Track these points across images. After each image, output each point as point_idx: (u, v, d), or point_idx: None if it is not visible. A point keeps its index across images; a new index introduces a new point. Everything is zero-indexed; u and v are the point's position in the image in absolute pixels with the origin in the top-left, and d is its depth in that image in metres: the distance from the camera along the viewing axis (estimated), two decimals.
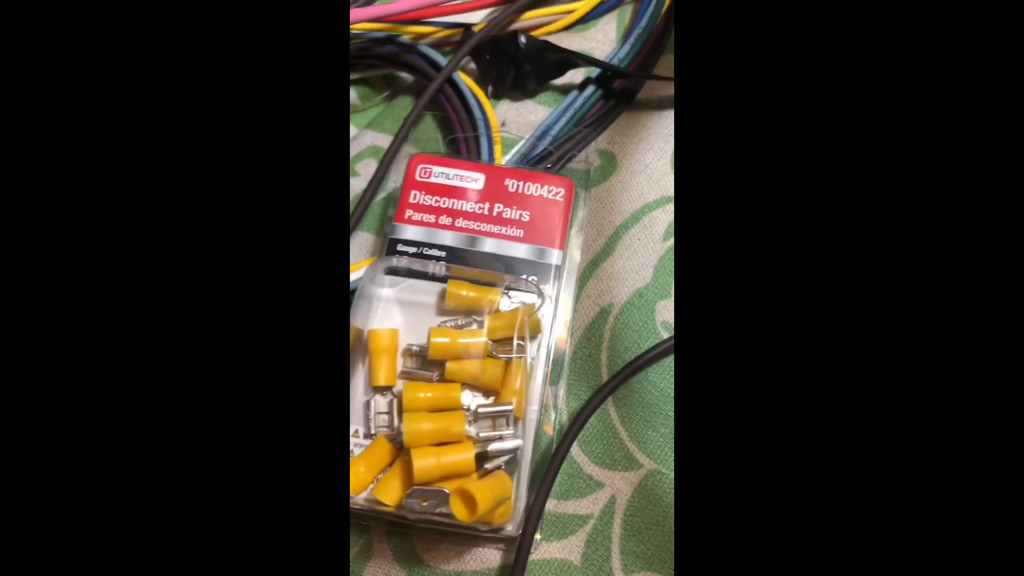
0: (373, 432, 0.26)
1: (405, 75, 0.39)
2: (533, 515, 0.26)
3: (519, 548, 0.26)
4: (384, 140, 0.36)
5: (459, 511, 0.23)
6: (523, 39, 0.33)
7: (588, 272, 0.31)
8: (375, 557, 0.27)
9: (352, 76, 0.39)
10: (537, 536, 0.27)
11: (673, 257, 0.30)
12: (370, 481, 0.25)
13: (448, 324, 0.27)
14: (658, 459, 0.27)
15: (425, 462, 0.24)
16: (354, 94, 0.39)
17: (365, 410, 0.27)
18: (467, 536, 0.27)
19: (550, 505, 0.27)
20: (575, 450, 0.28)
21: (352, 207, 0.34)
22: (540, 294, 0.28)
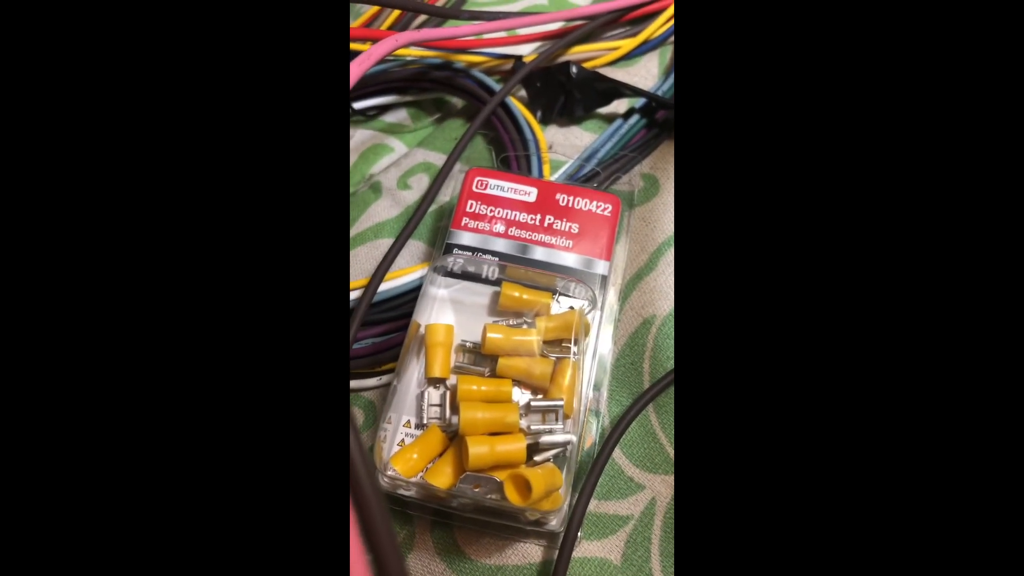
0: (425, 422, 0.27)
1: (454, 100, 0.41)
2: (577, 512, 0.27)
3: (563, 544, 0.26)
4: (434, 157, 0.38)
5: (512, 495, 0.24)
6: (575, 69, 0.36)
7: (631, 285, 0.32)
8: (417, 548, 0.28)
9: (406, 98, 0.41)
10: (579, 534, 0.27)
11: None
12: (422, 467, 0.26)
13: (501, 323, 0.29)
14: None
15: (479, 449, 0.25)
16: (406, 115, 0.41)
17: (418, 401, 0.28)
18: (509, 530, 0.27)
19: (591, 505, 0.28)
20: (617, 453, 0.29)
21: (407, 218, 0.36)
22: (592, 298, 0.29)
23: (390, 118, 0.41)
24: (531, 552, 0.27)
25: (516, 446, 0.25)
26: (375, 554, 0.14)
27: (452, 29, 0.35)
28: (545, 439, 0.26)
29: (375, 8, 0.42)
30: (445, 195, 0.36)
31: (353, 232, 0.36)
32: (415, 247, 0.35)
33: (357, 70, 0.22)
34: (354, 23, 0.42)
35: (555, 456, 0.26)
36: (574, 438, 0.26)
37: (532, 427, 0.26)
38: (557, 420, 0.26)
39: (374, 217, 0.36)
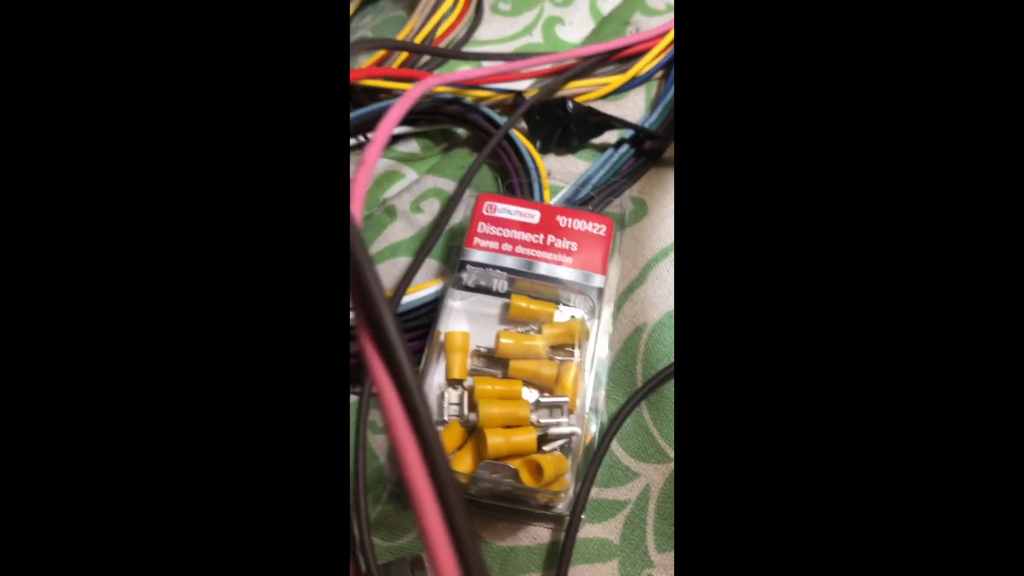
0: (446, 419, 0.31)
1: (460, 130, 0.45)
2: (581, 497, 0.30)
3: (569, 525, 0.30)
4: (443, 183, 0.42)
5: (527, 478, 0.27)
6: (571, 104, 0.40)
7: (624, 296, 0.36)
8: None
9: (416, 129, 0.45)
10: (582, 517, 0.31)
11: None
12: None
13: (511, 330, 0.32)
14: None
15: (497, 439, 0.28)
16: (416, 145, 0.45)
17: (439, 400, 0.31)
18: (521, 514, 0.31)
19: (593, 492, 0.32)
20: (614, 445, 0.33)
21: (421, 238, 0.40)
22: (592, 308, 0.33)
23: (402, 147, 0.45)
24: (540, 534, 0.31)
25: (528, 437, 0.29)
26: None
27: (473, 72, 0.39)
28: (552, 431, 0.30)
29: (383, 51, 0.46)
30: (455, 218, 0.40)
31: (372, 251, 0.40)
32: (428, 264, 0.38)
33: (397, 112, 0.26)
34: (366, 63, 0.46)
35: (561, 446, 0.30)
36: (578, 430, 0.30)
37: (541, 420, 0.30)
38: (562, 414, 0.30)
39: (390, 238, 0.40)
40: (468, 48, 0.49)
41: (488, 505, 0.30)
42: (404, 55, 0.46)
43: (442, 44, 0.48)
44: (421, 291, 0.36)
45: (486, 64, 0.44)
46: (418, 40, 0.46)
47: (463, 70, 0.40)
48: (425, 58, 0.48)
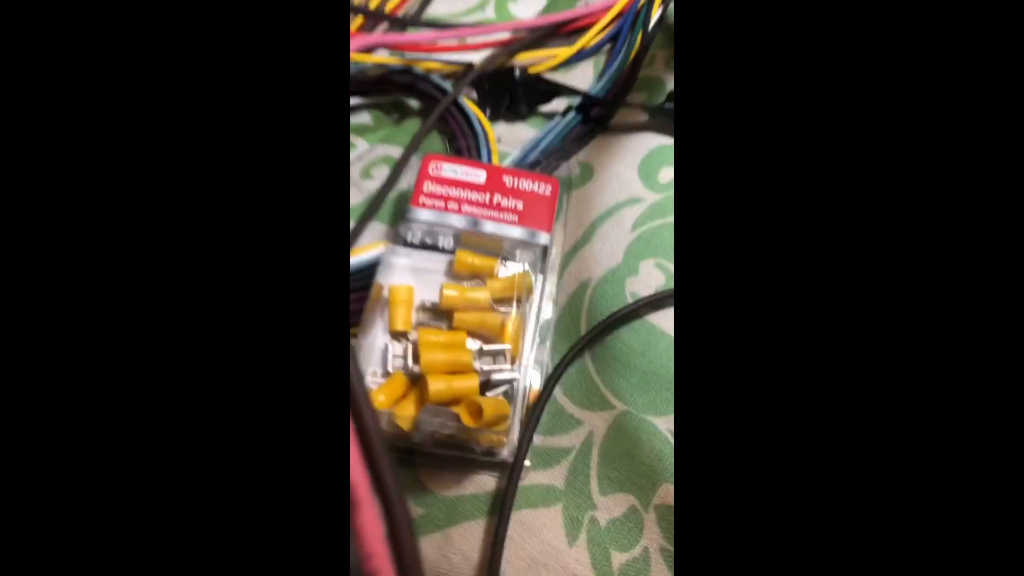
0: (390, 371, 0.31)
1: (412, 102, 0.46)
2: (524, 443, 0.31)
3: (512, 469, 0.30)
4: (395, 151, 0.43)
5: (466, 418, 0.28)
6: (518, 72, 0.41)
7: (570, 255, 0.37)
8: None
9: (368, 101, 0.45)
10: (527, 464, 0.31)
11: (638, 243, 0.36)
12: (388, 407, 0.30)
13: (455, 283, 0.33)
14: (627, 402, 0.32)
15: (438, 385, 0.29)
16: (369, 116, 0.46)
17: (383, 352, 0.32)
18: (465, 463, 0.31)
19: (538, 440, 0.32)
20: (559, 395, 0.33)
21: (368, 203, 0.40)
22: (533, 262, 0.34)
23: (354, 119, 0.45)
24: (486, 482, 0.31)
25: (470, 382, 0.29)
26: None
27: (419, 36, 0.40)
28: (495, 377, 0.30)
29: None
30: (404, 184, 0.40)
31: None
32: (378, 228, 0.39)
33: None
34: None
35: (504, 392, 0.30)
36: (518, 375, 0.30)
37: (483, 367, 0.30)
38: (505, 361, 0.31)
39: None
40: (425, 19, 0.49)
41: (433, 455, 0.31)
42: (360, 20, 0.46)
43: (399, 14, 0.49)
44: (367, 252, 0.36)
45: (431, 31, 0.44)
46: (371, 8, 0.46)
47: (411, 34, 0.41)
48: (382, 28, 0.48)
